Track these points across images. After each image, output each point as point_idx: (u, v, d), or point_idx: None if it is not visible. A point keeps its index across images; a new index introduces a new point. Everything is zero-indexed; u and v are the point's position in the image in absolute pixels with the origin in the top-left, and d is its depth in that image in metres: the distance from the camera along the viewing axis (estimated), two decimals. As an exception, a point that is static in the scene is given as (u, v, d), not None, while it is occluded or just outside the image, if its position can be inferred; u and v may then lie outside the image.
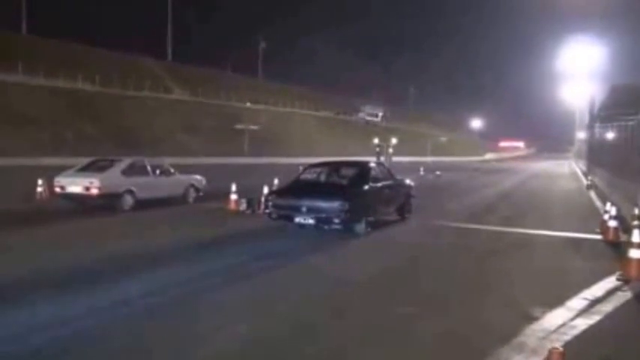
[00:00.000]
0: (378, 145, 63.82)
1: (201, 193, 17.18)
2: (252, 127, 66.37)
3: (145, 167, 15.54)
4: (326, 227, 10.87)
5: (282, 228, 11.65)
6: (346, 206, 10.51)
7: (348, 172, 12.86)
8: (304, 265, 8.61)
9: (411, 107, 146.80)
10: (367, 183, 11.88)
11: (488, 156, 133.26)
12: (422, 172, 38.11)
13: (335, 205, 10.56)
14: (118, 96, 63.08)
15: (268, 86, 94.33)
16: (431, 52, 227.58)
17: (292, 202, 11.09)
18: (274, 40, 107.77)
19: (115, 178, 14.51)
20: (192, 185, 17.04)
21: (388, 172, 13.43)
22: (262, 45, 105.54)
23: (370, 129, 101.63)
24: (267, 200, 11.84)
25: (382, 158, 57.97)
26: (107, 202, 14.31)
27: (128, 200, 14.64)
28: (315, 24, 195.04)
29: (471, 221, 13.70)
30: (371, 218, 11.66)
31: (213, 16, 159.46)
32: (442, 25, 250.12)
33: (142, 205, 14.81)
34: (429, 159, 76.96)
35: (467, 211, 16.35)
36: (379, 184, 12.36)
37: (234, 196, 15.09)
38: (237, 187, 15.44)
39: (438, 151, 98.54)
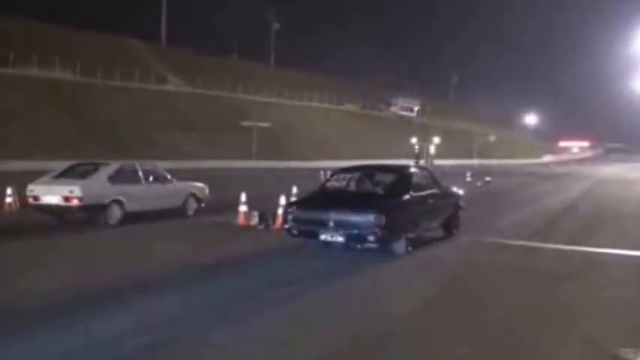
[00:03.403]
0: (417, 146, 63.75)
1: (203, 204, 17.11)
2: (263, 124, 66.37)
3: (135, 173, 15.41)
4: (358, 246, 10.73)
5: (304, 247, 11.50)
6: (383, 220, 10.25)
7: (385, 178, 12.73)
8: (331, 294, 8.41)
9: (452, 100, 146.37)
10: (408, 192, 11.64)
11: (547, 158, 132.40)
12: (468, 178, 37.85)
13: (369, 218, 10.31)
14: (102, 86, 63.68)
15: (282, 75, 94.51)
16: (475, 35, 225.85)
17: (317, 215, 10.95)
18: (289, 21, 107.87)
19: (99, 186, 14.38)
20: (193, 195, 16.92)
21: (432, 179, 13.23)
22: (275, 26, 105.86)
23: (404, 126, 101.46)
24: (286, 213, 11.71)
25: (422, 161, 57.87)
26: (90, 215, 14.27)
27: (115, 213, 14.54)
28: (337, 3, 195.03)
29: (530, 238, 13.50)
30: (412, 235, 11.41)
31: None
32: (488, 4, 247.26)
33: (131, 218, 14.74)
34: (475, 162, 76.46)
35: (524, 225, 16.19)
36: (422, 194, 12.14)
37: (243, 208, 15.03)
38: (247, 196, 15.37)
39: (485, 152, 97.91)
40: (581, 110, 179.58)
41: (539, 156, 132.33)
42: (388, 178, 12.58)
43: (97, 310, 7.21)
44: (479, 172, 45.87)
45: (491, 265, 10.70)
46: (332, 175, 13.45)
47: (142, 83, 69.34)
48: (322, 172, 35.83)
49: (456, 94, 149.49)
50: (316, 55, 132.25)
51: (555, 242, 12.97)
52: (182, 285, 8.63)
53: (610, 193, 29.36)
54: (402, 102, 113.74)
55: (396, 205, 11.13)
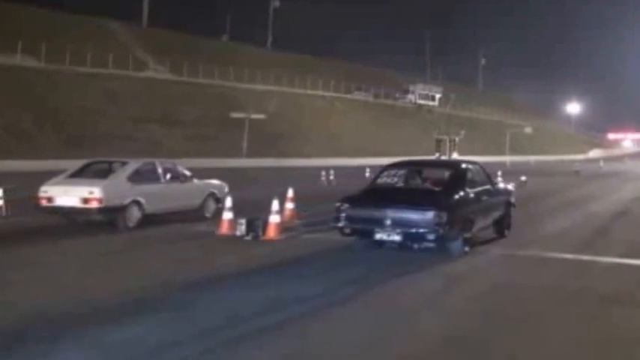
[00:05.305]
0: (439, 141, 63.55)
1: (220, 205, 17.47)
2: (256, 116, 66.07)
3: (155, 172, 16.55)
4: (415, 246, 11.99)
5: (297, 261, 11.63)
6: (444, 218, 11.27)
7: (438, 174, 14.32)
8: (330, 324, 7.96)
9: (480, 86, 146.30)
10: (464, 188, 12.83)
11: (594, 153, 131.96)
12: (499, 178, 37.35)
13: (429, 216, 11.33)
14: (69, 74, 63.73)
15: (280, 59, 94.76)
16: (508, 10, 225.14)
17: (372, 213, 11.97)
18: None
19: (119, 186, 15.39)
20: (212, 194, 17.88)
21: (485, 175, 14.35)
22: (275, 3, 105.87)
23: (425, 117, 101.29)
24: (338, 211, 12.45)
25: (445, 158, 57.85)
26: (109, 218, 15.22)
27: (135, 214, 15.52)
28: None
29: (576, 250, 13.26)
30: (469, 234, 12.35)
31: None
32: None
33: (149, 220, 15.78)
34: (507, 158, 75.96)
35: (569, 234, 16.09)
36: (477, 190, 13.31)
37: (228, 215, 14.89)
38: (234, 201, 15.36)
39: (520, 147, 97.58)
40: (635, 97, 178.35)
41: (584, 151, 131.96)
42: (443, 174, 14.13)
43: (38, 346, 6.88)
44: (512, 171, 45.49)
45: (530, 287, 10.28)
46: (382, 171, 14.21)
47: (117, 69, 69.41)
48: (324, 173, 35.58)
49: (485, 79, 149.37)
50: (321, 36, 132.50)
51: (608, 255, 12.78)
52: (145, 312, 8.31)
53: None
54: (421, 89, 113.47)
55: (455, 202, 12.27)
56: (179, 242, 14.20)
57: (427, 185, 13.57)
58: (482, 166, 14.86)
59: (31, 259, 12.24)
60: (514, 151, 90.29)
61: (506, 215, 14.74)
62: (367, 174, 40.07)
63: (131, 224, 15.30)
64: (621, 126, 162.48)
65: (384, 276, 10.58)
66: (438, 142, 64.97)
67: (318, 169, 38.85)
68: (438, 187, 13.19)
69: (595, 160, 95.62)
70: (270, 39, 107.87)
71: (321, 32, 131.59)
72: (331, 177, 35.59)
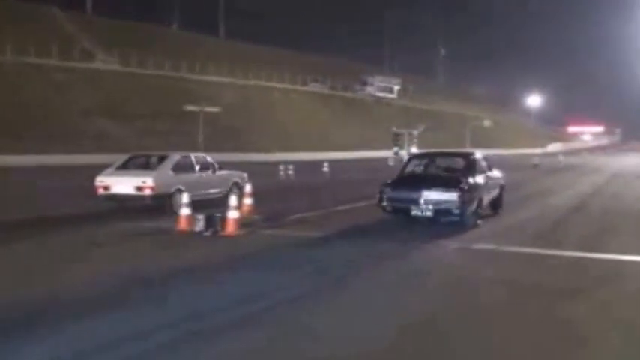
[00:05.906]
0: (397, 135, 63.81)
1: (242, 192, 19.85)
2: (210, 109, 65.78)
3: (191, 163, 19.38)
4: (442, 220, 15.08)
5: (256, 255, 11.86)
6: (465, 197, 14.71)
7: (455, 162, 17.99)
8: (295, 317, 8.19)
9: (441, 78, 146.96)
10: (475, 174, 16.12)
11: (553, 147, 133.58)
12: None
13: (454, 196, 14.64)
14: (12, 64, 62.83)
15: (233, 49, 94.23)
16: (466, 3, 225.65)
17: (409, 194, 15.19)
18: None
19: (166, 176, 18.08)
20: (236, 183, 20.61)
21: (487, 163, 18.00)
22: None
23: (383, 110, 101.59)
24: (381, 193, 15.63)
25: (403, 152, 58.23)
26: (159, 204, 17.67)
27: (179, 201, 16.88)
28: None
29: (533, 244, 13.55)
30: (480, 210, 16.00)
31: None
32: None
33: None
34: (467, 152, 76.56)
35: (526, 228, 16.33)
36: (484, 175, 16.86)
37: (185, 211, 15.02)
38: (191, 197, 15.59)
39: (480, 140, 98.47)
40: (596, 90, 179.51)
41: (543, 144, 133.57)
42: (459, 163, 17.58)
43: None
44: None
45: (486, 280, 10.46)
46: (408, 161, 18.35)
47: (62, 60, 68.42)
48: (282, 167, 35.79)
49: (444, 71, 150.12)
50: (275, 25, 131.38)
51: (563, 248, 13.03)
52: (103, 308, 8.31)
53: (628, 190, 29.53)
54: (379, 81, 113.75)
55: (472, 185, 15.40)
56: (141, 238, 14.33)
57: (450, 171, 17.12)
58: (485, 156, 18.56)
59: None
60: (475, 144, 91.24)
61: (500, 197, 18.59)
62: (325, 169, 40.50)
63: (176, 210, 16.75)
64: (581, 120, 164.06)
65: (343, 271, 10.85)
66: (396, 135, 65.32)
67: (277, 163, 38.92)
68: (455, 173, 16.57)
69: (554, 154, 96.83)
70: (222, 28, 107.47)
71: (272, 19, 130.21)
72: (290, 172, 35.97)
